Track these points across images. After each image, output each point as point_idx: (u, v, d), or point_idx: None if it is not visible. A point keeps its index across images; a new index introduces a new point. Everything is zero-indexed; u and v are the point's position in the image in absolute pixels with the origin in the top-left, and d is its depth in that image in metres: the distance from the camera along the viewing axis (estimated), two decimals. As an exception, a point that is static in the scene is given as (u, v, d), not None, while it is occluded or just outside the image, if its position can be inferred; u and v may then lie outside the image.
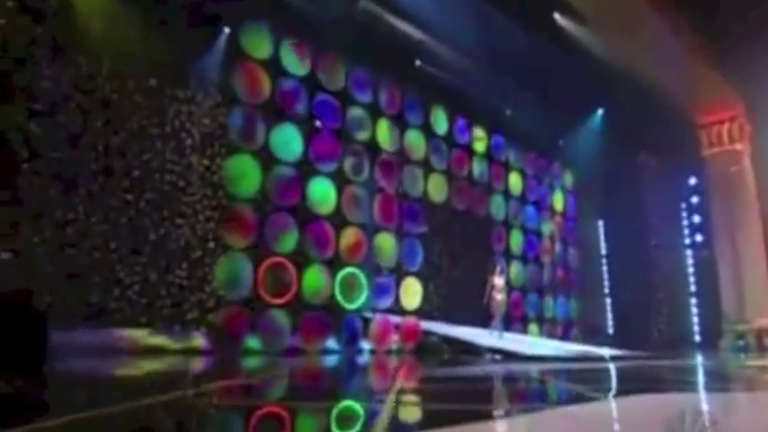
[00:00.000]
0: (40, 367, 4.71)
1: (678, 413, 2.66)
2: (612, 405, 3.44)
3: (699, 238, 15.62)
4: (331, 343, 10.22)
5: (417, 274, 11.90)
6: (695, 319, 15.42)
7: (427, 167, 12.55)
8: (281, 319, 9.59)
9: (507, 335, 10.83)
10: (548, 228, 15.36)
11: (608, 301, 17.31)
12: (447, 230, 12.82)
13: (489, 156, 13.95)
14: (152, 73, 8.70)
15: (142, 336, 8.16)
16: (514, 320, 13.20)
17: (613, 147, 14.92)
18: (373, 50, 11.02)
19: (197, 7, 8.95)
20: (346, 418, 3.06)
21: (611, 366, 6.93)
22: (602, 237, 17.71)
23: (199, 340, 8.68)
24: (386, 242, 11.43)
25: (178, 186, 8.93)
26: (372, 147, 11.47)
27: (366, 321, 10.67)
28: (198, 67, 9.19)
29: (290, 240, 9.93)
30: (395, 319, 11.08)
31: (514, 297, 13.48)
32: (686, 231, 15.90)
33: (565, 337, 14.53)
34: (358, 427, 2.82)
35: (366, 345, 10.57)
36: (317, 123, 10.63)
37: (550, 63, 12.23)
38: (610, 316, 17.28)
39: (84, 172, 8.08)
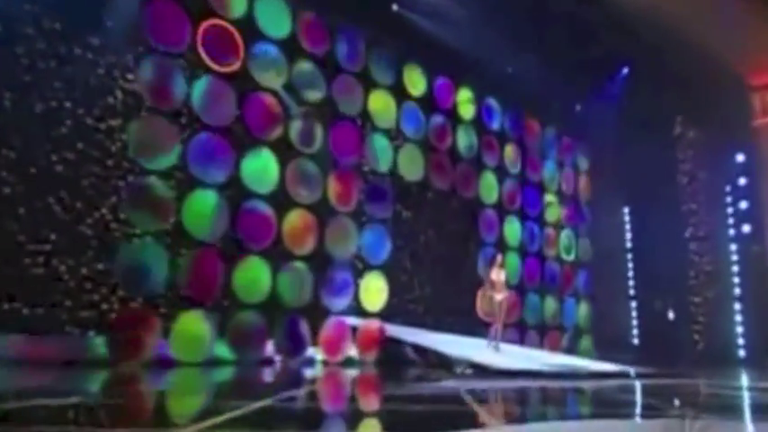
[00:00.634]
0: None
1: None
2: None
3: (746, 228, 15.27)
4: (271, 351, 10.18)
5: (383, 269, 11.76)
6: (739, 330, 15.10)
7: (398, 137, 12.41)
8: (200, 323, 9.27)
9: (506, 347, 10.61)
10: (553, 214, 15.17)
11: (633, 304, 17.12)
12: (423, 216, 12.74)
13: (479, 124, 13.76)
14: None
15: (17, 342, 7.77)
16: (507, 327, 12.50)
17: (641, 115, 14.72)
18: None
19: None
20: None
21: (605, 384, 6.99)
22: (627, 227, 17.51)
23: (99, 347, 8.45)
24: (343, 229, 11.29)
25: (71, 156, 8.48)
26: (327, 110, 11.29)
27: (316, 325, 10.59)
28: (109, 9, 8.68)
29: (213, 225, 9.72)
30: (354, 322, 11.02)
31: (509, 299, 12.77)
32: (731, 221, 15.53)
33: (571, 349, 14.36)
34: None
35: (317, 354, 10.53)
36: (257, 78, 10.25)
37: (561, 8, 11.94)
38: (635, 323, 17.08)
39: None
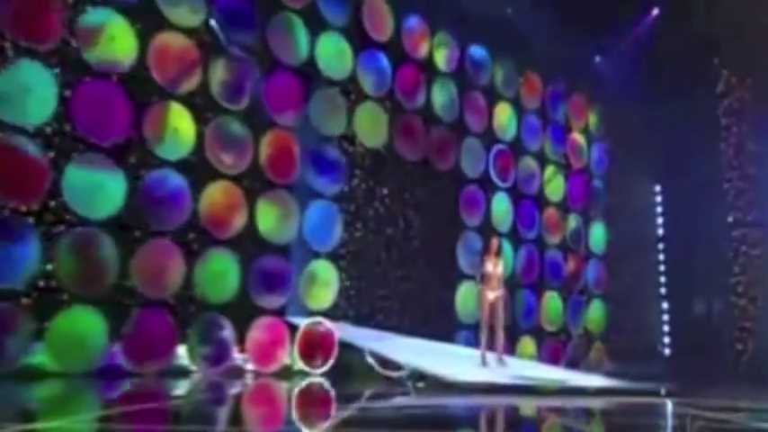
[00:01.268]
0: None
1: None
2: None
3: (808, 212, 14.76)
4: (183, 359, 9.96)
5: (332, 257, 11.55)
6: (795, 339, 14.57)
7: (353, 92, 12.03)
8: (89, 322, 8.95)
9: (511, 360, 10.43)
10: (556, 191, 14.72)
11: (664, 306, 17.06)
12: (385, 191, 12.50)
13: (461, 77, 13.36)
14: None
15: None
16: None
17: (676, 69, 14.53)
18: None
19: None
20: None
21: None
22: (658, 210, 17.43)
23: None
24: (278, 206, 10.96)
25: None
26: (260, 57, 10.91)
27: (241, 326, 10.36)
28: None
29: (108, 200, 9.24)
30: (299, 322, 10.87)
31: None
32: (788, 202, 14.90)
33: (577, 360, 14.18)
34: None
35: (246, 362, 10.39)
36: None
37: None
38: (666, 329, 17.02)
39: None
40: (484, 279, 9.83)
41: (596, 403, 7.44)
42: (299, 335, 10.70)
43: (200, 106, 10.26)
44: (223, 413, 6.29)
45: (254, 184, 10.74)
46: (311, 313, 11.09)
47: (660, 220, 17.32)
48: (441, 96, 13.08)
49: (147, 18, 9.79)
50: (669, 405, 7.38)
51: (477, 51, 13.68)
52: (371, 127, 12.07)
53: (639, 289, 16.56)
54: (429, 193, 13.02)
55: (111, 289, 9.21)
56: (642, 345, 16.20)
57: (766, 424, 6.20)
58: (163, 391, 8.14)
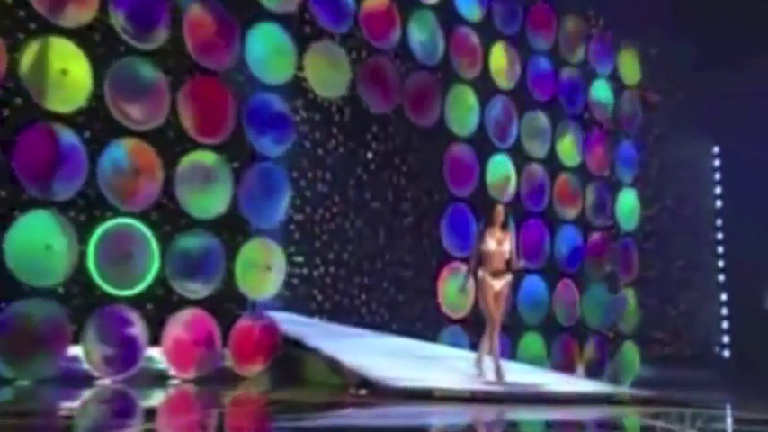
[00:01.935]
0: None
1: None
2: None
3: None
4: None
5: (276, 235, 11.52)
6: None
7: (305, 27, 11.66)
8: None
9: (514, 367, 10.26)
10: (570, 153, 14.12)
11: (722, 297, 17.23)
12: (346, 154, 12.60)
13: (447, 11, 12.92)
14: None
15: None
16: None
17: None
18: None
19: None
20: None
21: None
22: (716, 177, 17.52)
23: None
24: (203, 172, 10.51)
25: None
26: None
27: (159, 322, 10.14)
28: None
29: None
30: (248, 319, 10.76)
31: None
32: None
33: (599, 364, 13.97)
34: None
35: (161, 365, 10.21)
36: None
37: None
38: (725, 326, 17.17)
39: None
40: (485, 261, 9.01)
41: (575, 414, 7.72)
42: (232, 331, 10.47)
43: (98, 43, 9.87)
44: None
45: (172, 143, 10.38)
46: (252, 304, 11.05)
47: (718, 190, 17.43)
48: (419, 31, 12.64)
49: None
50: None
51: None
52: (328, 73, 11.63)
53: (688, 276, 16.53)
54: (405, 156, 13.07)
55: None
56: (692, 346, 16.32)
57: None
58: (45, 402, 8.23)
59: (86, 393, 8.86)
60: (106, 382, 9.54)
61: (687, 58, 15.34)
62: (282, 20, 11.12)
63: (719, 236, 17.28)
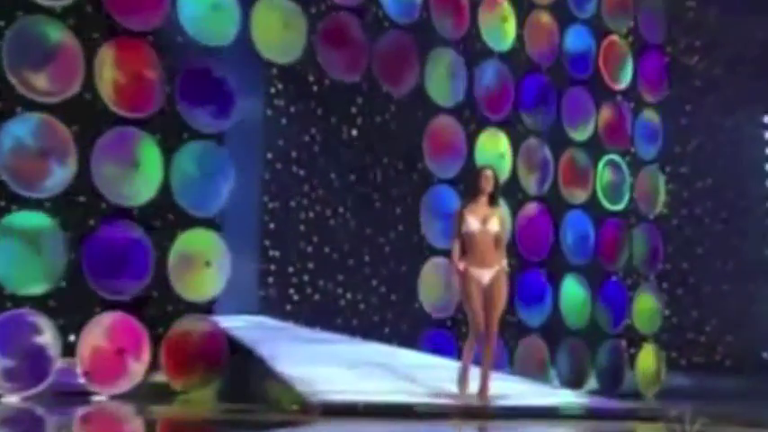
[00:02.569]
0: None
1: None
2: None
3: None
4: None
5: (217, 225, 11.09)
6: None
7: None
8: None
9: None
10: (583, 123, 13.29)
11: None
12: (327, 131, 12.57)
13: None
14: None
15: None
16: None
17: None
18: None
19: None
20: None
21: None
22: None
23: None
24: (127, 150, 10.14)
25: None
26: None
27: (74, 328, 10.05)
28: None
29: None
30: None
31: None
32: None
33: (613, 378, 13.37)
34: None
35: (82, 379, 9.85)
36: None
37: None
38: None
39: None
40: (469, 246, 7.94)
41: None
42: (165, 339, 10.21)
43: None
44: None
45: (88, 118, 10.09)
46: (194, 307, 10.54)
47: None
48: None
49: None
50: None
51: None
52: (279, 33, 11.13)
53: (730, 270, 16.21)
54: (376, 131, 12.89)
55: None
56: (733, 351, 16.10)
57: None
58: None
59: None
60: (12, 399, 9.29)
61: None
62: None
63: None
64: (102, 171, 9.81)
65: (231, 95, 10.74)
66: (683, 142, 15.76)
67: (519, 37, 13.06)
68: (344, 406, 7.81)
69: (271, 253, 13.22)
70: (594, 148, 13.81)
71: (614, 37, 14.36)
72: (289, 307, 13.07)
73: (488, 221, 7.85)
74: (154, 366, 10.07)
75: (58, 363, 9.53)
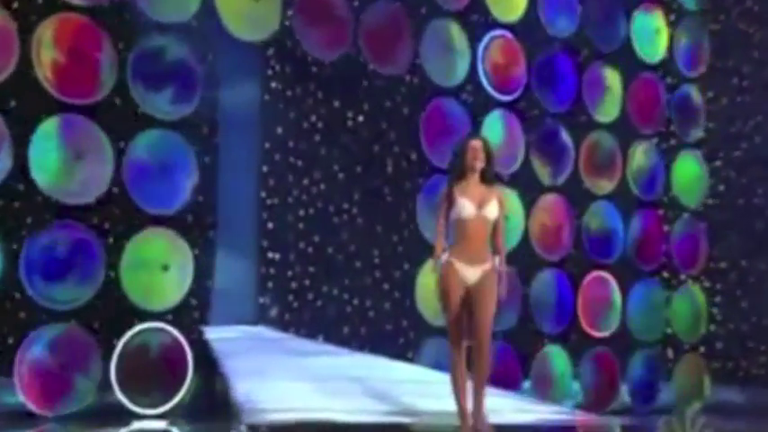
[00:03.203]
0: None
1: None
2: None
3: None
4: None
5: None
6: None
7: None
8: None
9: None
10: (612, 106, 12.62)
11: None
12: (330, 116, 12.25)
13: None
14: None
15: None
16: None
17: None
18: None
19: None
20: None
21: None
22: None
23: None
24: (69, 139, 9.63)
25: None
26: None
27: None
28: None
29: None
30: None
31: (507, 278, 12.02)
32: None
33: (648, 391, 12.77)
34: None
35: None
36: None
37: None
38: None
39: None
40: (455, 236, 6.78)
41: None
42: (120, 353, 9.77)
43: None
44: None
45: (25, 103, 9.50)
46: (155, 316, 9.99)
47: None
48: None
49: None
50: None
51: None
52: (249, 5, 10.59)
53: None
54: (386, 116, 12.31)
55: None
56: None
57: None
58: None
59: None
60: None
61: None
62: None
63: None
64: (43, 165, 9.39)
65: (192, 77, 10.20)
66: (725, 124, 14.78)
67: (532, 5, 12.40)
68: (287, 426, 7.72)
69: (270, 255, 12.52)
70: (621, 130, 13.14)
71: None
72: (288, 316, 12.47)
73: (485, 205, 6.60)
74: (105, 384, 9.62)
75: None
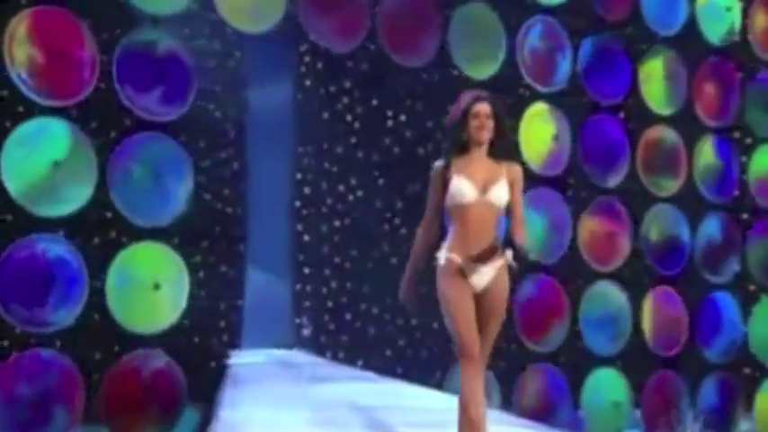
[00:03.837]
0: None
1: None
2: None
3: None
4: None
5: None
6: None
7: None
8: None
9: None
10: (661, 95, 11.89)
11: None
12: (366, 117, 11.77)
13: None
14: None
15: None
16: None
17: None
18: None
19: None
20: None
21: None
22: None
23: None
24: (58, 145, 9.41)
25: None
26: None
27: None
28: None
29: None
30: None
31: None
32: None
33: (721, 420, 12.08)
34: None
35: None
36: None
37: None
38: None
39: None
40: (455, 226, 5.23)
41: None
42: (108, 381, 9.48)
43: None
44: None
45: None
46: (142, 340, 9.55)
47: None
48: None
49: None
50: None
51: None
52: None
53: None
54: (431, 115, 11.63)
55: None
56: None
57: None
58: None
59: None
60: None
61: None
62: None
63: None
64: (20, 176, 9.05)
65: (185, 75, 9.76)
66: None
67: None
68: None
69: (306, 270, 11.79)
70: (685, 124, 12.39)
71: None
72: (324, 338, 11.83)
73: (491, 187, 5.15)
74: (89, 416, 9.29)
75: None
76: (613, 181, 11.80)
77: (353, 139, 11.76)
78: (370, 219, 11.90)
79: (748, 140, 13.08)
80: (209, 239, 10.17)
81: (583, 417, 11.20)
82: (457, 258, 5.02)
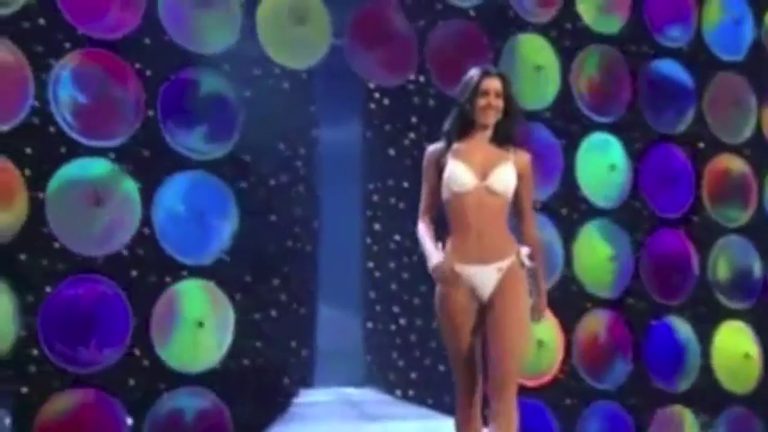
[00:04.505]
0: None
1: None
2: None
3: None
4: None
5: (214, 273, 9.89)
6: None
7: None
8: None
9: None
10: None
11: None
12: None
13: None
14: None
15: None
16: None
17: None
18: None
19: None
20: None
21: None
22: None
23: None
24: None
25: None
26: None
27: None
28: None
29: None
30: None
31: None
32: None
33: None
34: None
35: None
36: None
37: None
38: None
39: None
40: (453, 222, 4.77)
41: None
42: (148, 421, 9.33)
43: None
44: None
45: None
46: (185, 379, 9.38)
47: None
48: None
49: None
50: None
51: None
52: (289, 29, 9.94)
53: None
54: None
55: None
56: None
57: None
58: None
59: None
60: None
61: None
62: None
63: None
64: (57, 215, 8.99)
65: (231, 112, 9.70)
66: None
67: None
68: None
69: (378, 308, 11.84)
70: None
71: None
72: (393, 376, 11.64)
73: (492, 171, 4.57)
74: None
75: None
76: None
77: (415, 173, 11.66)
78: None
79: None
80: (280, 278, 10.13)
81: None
82: (451, 262, 4.50)
